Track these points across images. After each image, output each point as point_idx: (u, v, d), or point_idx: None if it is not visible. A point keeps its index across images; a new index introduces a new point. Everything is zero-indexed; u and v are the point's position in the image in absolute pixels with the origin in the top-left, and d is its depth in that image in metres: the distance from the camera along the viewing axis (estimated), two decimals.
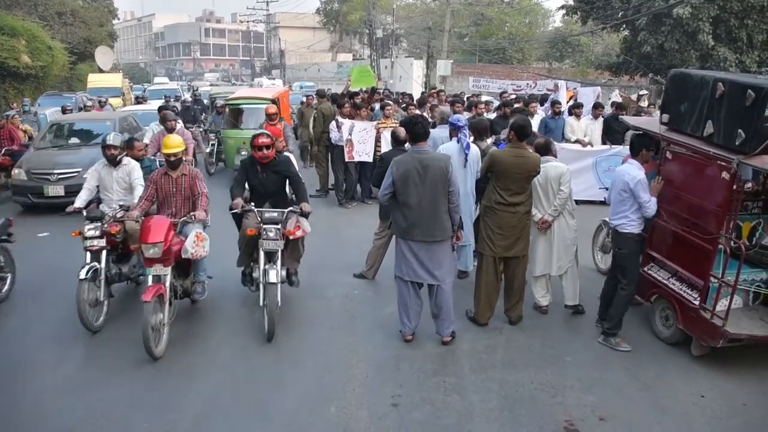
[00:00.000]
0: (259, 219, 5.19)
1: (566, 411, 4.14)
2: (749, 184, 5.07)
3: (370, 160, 9.73)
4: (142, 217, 5.22)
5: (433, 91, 16.34)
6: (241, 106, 12.51)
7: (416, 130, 4.97)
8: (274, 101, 11.60)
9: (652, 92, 20.36)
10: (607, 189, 7.38)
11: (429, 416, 4.06)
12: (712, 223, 4.61)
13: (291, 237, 5.27)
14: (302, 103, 14.46)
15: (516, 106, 10.49)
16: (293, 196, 5.72)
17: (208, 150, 13.09)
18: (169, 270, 4.93)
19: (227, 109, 12.65)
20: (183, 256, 5.09)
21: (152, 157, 7.26)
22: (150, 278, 4.89)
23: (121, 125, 10.98)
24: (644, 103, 14.17)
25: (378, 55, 39.64)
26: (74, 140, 10.72)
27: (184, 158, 7.77)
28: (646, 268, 5.42)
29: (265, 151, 5.41)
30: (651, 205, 4.87)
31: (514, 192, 5.19)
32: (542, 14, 45.86)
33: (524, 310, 5.59)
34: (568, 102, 12.32)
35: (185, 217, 5.31)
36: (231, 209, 5.31)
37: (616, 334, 5.10)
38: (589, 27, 26.06)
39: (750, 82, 4.34)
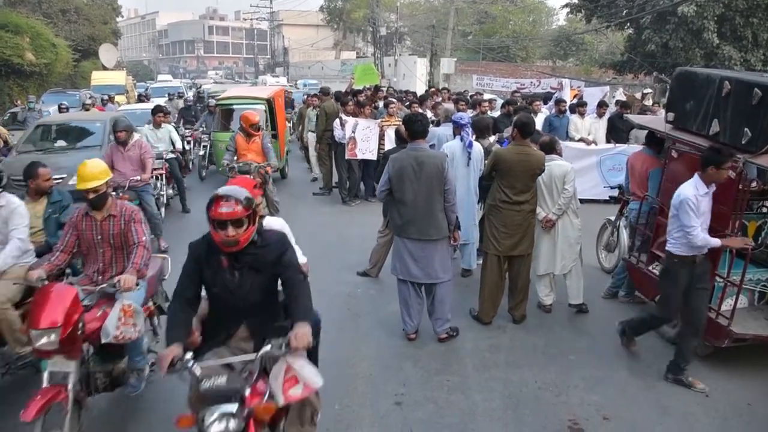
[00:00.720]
0: (198, 388, 2.65)
1: (570, 410, 4.13)
2: (754, 183, 5.05)
3: (375, 158, 9.71)
4: (45, 281, 3.60)
5: (434, 90, 16.28)
6: (232, 106, 11.68)
7: (414, 128, 4.95)
8: (268, 101, 10.99)
9: (657, 91, 20.30)
10: (612, 188, 7.41)
11: (432, 415, 4.06)
12: (717, 222, 4.58)
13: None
14: (303, 102, 14.23)
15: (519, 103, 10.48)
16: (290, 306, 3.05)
17: (201, 153, 12.32)
18: (73, 365, 3.32)
19: (218, 110, 11.88)
20: (103, 341, 3.49)
21: (62, 189, 5.24)
22: (45, 376, 3.29)
23: (112, 127, 9.95)
24: (648, 102, 14.13)
25: (381, 53, 39.64)
26: (61, 143, 9.58)
27: (138, 178, 6.95)
28: (650, 267, 5.40)
29: (232, 232, 2.78)
30: (696, 234, 4.15)
31: (519, 190, 5.17)
32: (546, 12, 45.77)
33: (528, 309, 5.58)
34: (572, 101, 12.29)
35: (104, 286, 3.68)
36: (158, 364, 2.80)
37: (684, 370, 4.47)
38: (594, 25, 25.99)
39: (757, 81, 4.32)
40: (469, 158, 6.11)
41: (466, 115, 6.60)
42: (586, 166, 9.94)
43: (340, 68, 42.39)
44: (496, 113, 10.51)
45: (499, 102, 12.54)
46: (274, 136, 10.98)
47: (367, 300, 6.07)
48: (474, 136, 6.34)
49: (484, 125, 6.68)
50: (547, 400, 4.26)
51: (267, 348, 2.75)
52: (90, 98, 16.42)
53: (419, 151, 4.85)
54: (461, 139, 6.14)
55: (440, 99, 12.40)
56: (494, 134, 7.24)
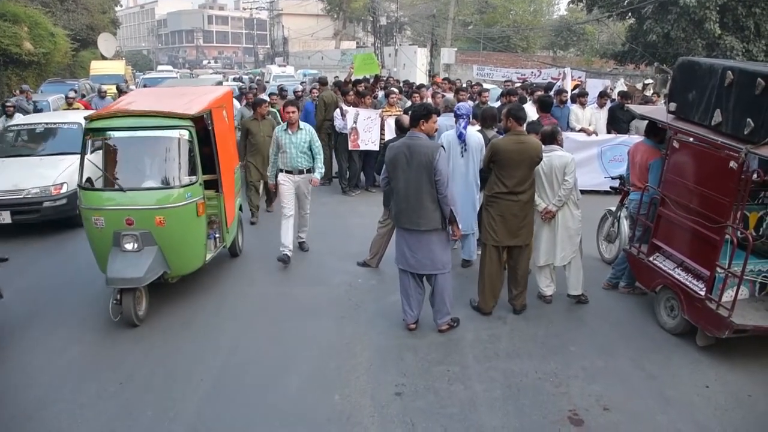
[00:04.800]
0: None
1: (570, 400, 4.13)
2: (756, 175, 5.02)
3: (377, 148, 9.68)
4: None
5: (437, 77, 16.15)
6: (115, 135, 5.39)
7: (415, 116, 4.93)
8: (194, 122, 5.41)
9: (658, 81, 20.21)
10: (612, 179, 7.38)
11: (433, 405, 4.06)
12: (719, 213, 4.57)
13: None
14: (246, 102, 10.35)
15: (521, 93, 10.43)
16: None
17: None
18: None
19: (97, 143, 5.51)
20: None
21: None
22: None
23: None
24: (649, 92, 14.09)
25: (382, 43, 39.47)
26: None
27: None
28: (651, 258, 5.39)
29: None
30: None
31: (518, 180, 5.14)
32: (547, 2, 45.55)
33: (528, 299, 5.57)
34: (572, 91, 12.25)
35: None
36: None
37: None
38: (595, 15, 25.79)
39: (760, 71, 4.28)
40: (464, 149, 6.08)
41: (465, 105, 6.55)
42: (587, 156, 9.93)
43: (340, 58, 42.23)
44: (496, 104, 10.48)
45: (493, 92, 12.50)
46: (212, 187, 5.98)
47: (368, 290, 6.07)
48: (478, 126, 6.29)
49: (491, 115, 6.62)
50: (548, 390, 4.26)
51: None
52: (71, 91, 13.47)
53: (413, 140, 4.81)
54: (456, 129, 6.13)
55: (439, 91, 12.29)
56: None
